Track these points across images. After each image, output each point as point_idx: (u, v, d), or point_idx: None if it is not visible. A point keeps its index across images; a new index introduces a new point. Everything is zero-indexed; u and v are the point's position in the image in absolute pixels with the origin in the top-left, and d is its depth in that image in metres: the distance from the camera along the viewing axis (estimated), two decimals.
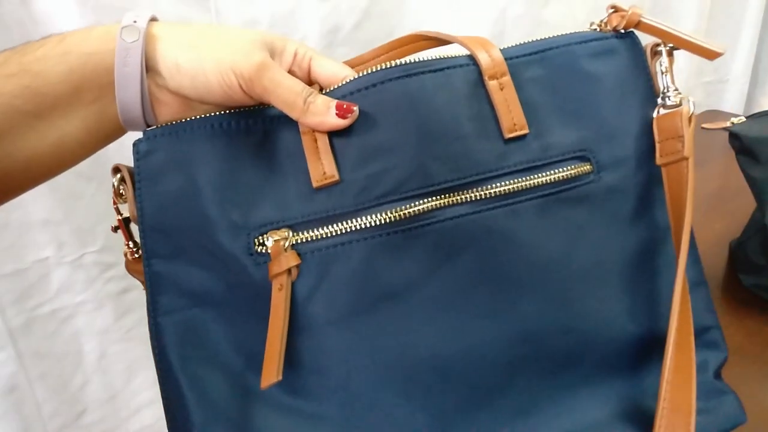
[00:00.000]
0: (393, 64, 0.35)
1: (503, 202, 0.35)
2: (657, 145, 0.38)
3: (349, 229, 0.34)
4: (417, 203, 0.34)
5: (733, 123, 0.68)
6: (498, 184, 0.35)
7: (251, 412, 0.35)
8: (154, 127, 0.36)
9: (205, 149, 0.35)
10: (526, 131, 0.36)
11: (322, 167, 0.34)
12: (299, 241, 0.34)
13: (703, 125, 0.70)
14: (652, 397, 0.35)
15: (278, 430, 0.34)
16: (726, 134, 0.68)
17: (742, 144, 0.66)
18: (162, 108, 0.37)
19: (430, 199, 0.34)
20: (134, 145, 0.37)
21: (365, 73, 0.36)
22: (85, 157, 0.39)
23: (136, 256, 0.38)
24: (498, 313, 0.35)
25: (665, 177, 0.38)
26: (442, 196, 0.35)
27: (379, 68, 0.35)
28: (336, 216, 0.34)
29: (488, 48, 0.36)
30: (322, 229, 0.34)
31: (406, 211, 0.34)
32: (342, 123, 0.34)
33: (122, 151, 0.68)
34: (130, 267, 0.39)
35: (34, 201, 0.65)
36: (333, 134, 0.35)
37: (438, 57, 0.37)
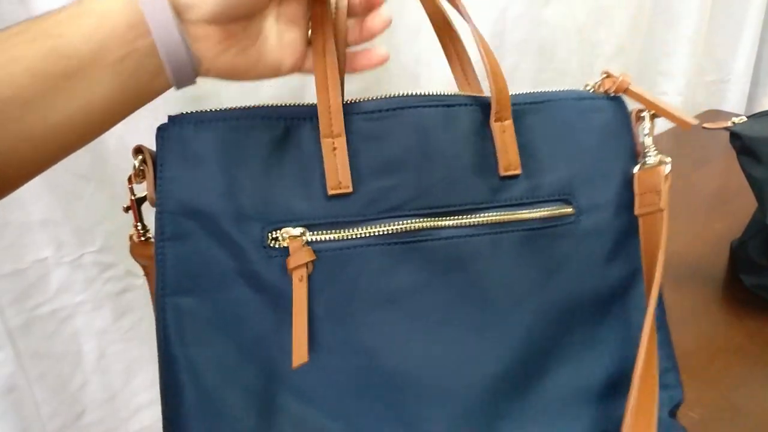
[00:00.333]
0: (412, 93, 0.39)
1: (492, 230, 0.39)
2: (636, 197, 0.42)
3: (354, 236, 0.37)
4: (417, 221, 0.38)
5: (734, 123, 0.68)
6: (489, 214, 0.39)
7: (242, 395, 0.36)
8: (179, 114, 0.38)
9: (227, 141, 0.36)
10: (519, 171, 0.40)
11: (338, 177, 0.37)
12: (311, 241, 0.36)
13: (705, 125, 0.70)
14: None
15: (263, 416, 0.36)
16: (727, 134, 0.68)
17: (743, 144, 0.66)
18: (201, 45, 0.36)
19: (429, 219, 0.38)
20: (158, 129, 0.38)
21: (385, 96, 0.39)
22: (113, 123, 0.38)
23: (143, 239, 0.40)
24: (481, 330, 0.39)
25: (642, 226, 0.42)
26: (441, 218, 0.38)
27: (399, 94, 0.39)
28: (344, 223, 0.37)
29: (501, 90, 0.40)
30: (330, 233, 0.36)
31: (406, 226, 0.37)
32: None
33: (122, 151, 0.69)
34: (135, 250, 0.41)
35: (34, 201, 0.65)
36: (350, 146, 0.37)
37: (455, 93, 0.41)
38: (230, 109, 0.38)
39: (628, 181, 0.44)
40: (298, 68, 0.40)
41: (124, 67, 0.35)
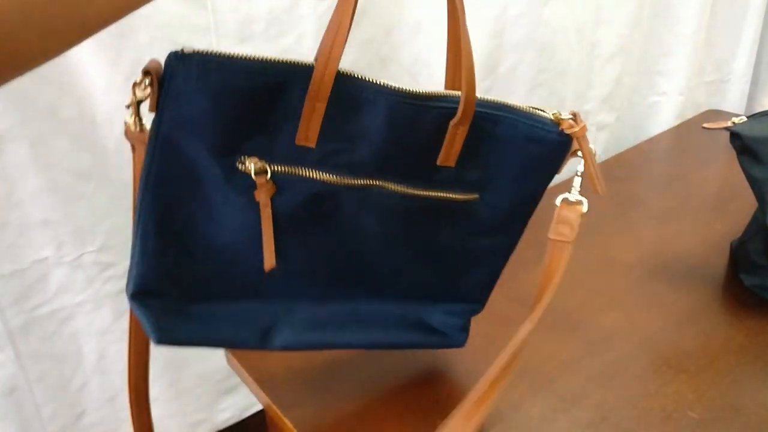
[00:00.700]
0: (391, 86, 0.45)
1: (402, 195, 0.49)
2: (553, 224, 0.49)
3: (307, 174, 0.46)
4: (355, 179, 0.47)
5: (734, 123, 0.68)
6: (405, 187, 0.48)
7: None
8: (188, 50, 0.41)
9: (233, 87, 0.42)
10: (452, 165, 0.48)
11: (308, 133, 0.44)
12: (275, 171, 0.45)
13: (705, 125, 0.70)
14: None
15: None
16: (727, 134, 0.68)
17: (743, 144, 0.66)
18: None
19: (359, 179, 0.47)
20: (168, 55, 0.42)
21: (371, 80, 0.45)
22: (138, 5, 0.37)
23: (138, 129, 0.46)
24: (385, 245, 0.51)
25: (550, 249, 0.49)
26: (367, 180, 0.47)
27: (380, 83, 0.44)
28: (301, 164, 0.46)
29: (469, 102, 0.46)
30: (288, 168, 0.45)
31: (339, 179, 0.47)
32: None
33: (122, 151, 0.69)
34: (128, 133, 0.47)
35: (34, 201, 0.65)
36: (327, 111, 0.44)
37: (434, 93, 0.46)
38: (234, 56, 0.42)
39: (533, 199, 0.52)
40: None
41: None
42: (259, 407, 0.93)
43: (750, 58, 1.35)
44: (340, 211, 0.48)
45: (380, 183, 0.48)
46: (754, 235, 0.70)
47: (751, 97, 1.41)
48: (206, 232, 0.47)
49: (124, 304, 0.75)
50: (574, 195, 0.49)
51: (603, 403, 0.56)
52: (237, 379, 0.71)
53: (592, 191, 0.48)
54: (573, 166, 0.50)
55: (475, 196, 0.51)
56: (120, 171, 0.70)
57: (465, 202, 0.51)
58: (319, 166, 0.46)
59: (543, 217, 0.51)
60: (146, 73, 0.42)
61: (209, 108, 0.43)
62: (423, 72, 0.86)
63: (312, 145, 0.45)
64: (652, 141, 1.14)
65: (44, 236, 0.67)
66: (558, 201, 0.50)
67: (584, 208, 0.48)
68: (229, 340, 0.52)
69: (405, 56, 0.85)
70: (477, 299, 0.58)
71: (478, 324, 0.58)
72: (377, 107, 0.45)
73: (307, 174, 0.46)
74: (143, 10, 0.64)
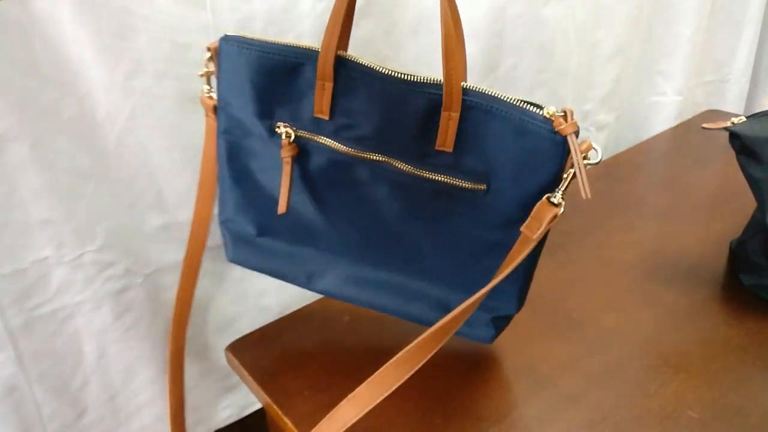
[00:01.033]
0: (384, 69, 0.50)
1: (411, 178, 0.53)
2: (528, 218, 0.49)
3: (326, 143, 0.55)
4: (364, 153, 0.54)
5: (733, 123, 0.68)
6: (411, 167, 0.53)
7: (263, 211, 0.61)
8: (232, 35, 0.55)
9: (257, 62, 0.54)
10: (450, 150, 0.51)
11: (322, 107, 0.53)
12: (299, 136, 0.55)
13: (704, 125, 0.70)
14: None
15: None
16: (726, 134, 0.68)
17: (742, 144, 0.66)
18: None
19: (370, 153, 0.53)
20: (221, 40, 0.55)
21: (367, 64, 0.51)
22: None
23: (208, 96, 0.59)
24: (403, 221, 0.56)
25: (519, 240, 0.50)
26: (377, 155, 0.53)
27: (377, 68, 0.51)
28: (320, 133, 0.55)
29: (452, 88, 0.49)
30: (309, 134, 0.55)
31: (354, 152, 0.54)
32: None
33: (122, 151, 0.69)
34: (203, 101, 0.59)
35: (34, 200, 0.65)
36: (335, 87, 0.52)
37: (424, 79, 0.50)
38: (265, 41, 0.53)
39: (541, 195, 0.50)
40: None
41: None
42: (258, 406, 0.93)
43: (749, 59, 1.35)
44: (357, 180, 0.55)
45: (387, 159, 0.53)
46: (754, 235, 0.70)
47: (750, 98, 1.41)
48: (260, 180, 0.60)
49: (124, 303, 0.75)
50: (556, 196, 0.48)
51: (602, 403, 0.57)
52: (236, 378, 0.71)
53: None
54: None
55: (482, 186, 0.52)
56: (119, 170, 0.70)
57: (473, 191, 0.52)
58: (334, 137, 0.54)
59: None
60: (208, 49, 0.56)
61: (246, 79, 0.54)
62: (423, 72, 0.86)
63: (326, 117, 0.53)
64: (651, 141, 1.14)
65: (44, 236, 0.67)
66: (543, 198, 0.49)
67: (560, 211, 0.48)
68: (281, 273, 0.64)
69: (405, 56, 0.85)
70: (503, 297, 0.57)
71: None
72: (373, 88, 0.51)
73: (324, 142, 0.54)
74: (143, 10, 0.65)
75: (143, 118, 0.69)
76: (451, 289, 0.58)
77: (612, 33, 1.08)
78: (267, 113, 0.55)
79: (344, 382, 0.60)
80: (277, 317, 0.70)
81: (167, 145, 0.72)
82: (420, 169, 0.53)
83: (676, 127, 1.19)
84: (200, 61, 0.59)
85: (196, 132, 0.73)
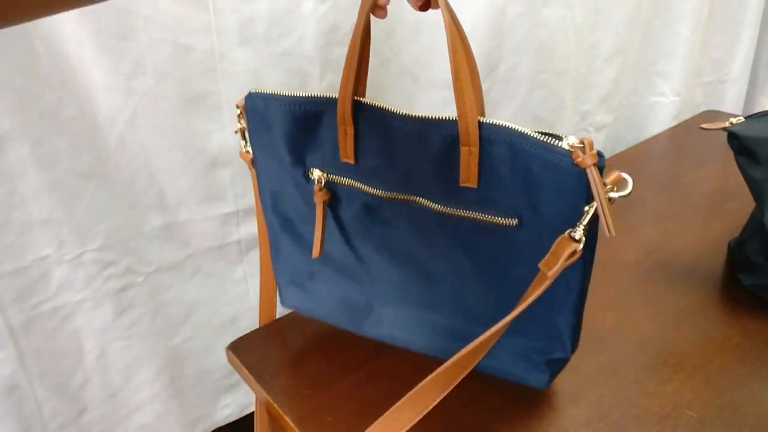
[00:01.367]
0: (399, 111, 0.51)
1: (440, 217, 0.53)
2: (547, 254, 0.46)
3: (356, 186, 0.56)
4: (391, 192, 0.54)
5: (732, 123, 0.68)
6: (440, 205, 0.52)
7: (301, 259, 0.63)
8: (255, 91, 0.56)
9: (283, 116, 0.55)
10: (474, 186, 0.50)
11: (346, 151, 0.55)
12: (330, 180, 0.57)
13: (702, 125, 0.70)
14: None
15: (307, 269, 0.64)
16: (725, 134, 0.68)
17: (741, 144, 0.66)
18: None
19: (400, 194, 0.54)
20: (245, 98, 0.57)
21: (384, 107, 0.52)
22: None
23: (245, 151, 0.60)
24: (440, 260, 0.56)
25: (537, 276, 0.47)
26: (407, 195, 0.53)
27: (393, 110, 0.51)
28: (349, 176, 0.56)
29: (467, 125, 0.48)
30: (339, 177, 0.56)
31: (383, 193, 0.54)
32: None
33: (123, 151, 0.69)
34: (242, 156, 0.61)
35: (35, 200, 0.66)
36: (357, 132, 0.53)
37: (437, 117, 0.50)
38: (288, 95, 0.55)
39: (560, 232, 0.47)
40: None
41: None
42: None
43: (748, 59, 1.35)
44: (390, 221, 0.56)
45: (417, 199, 0.53)
46: (752, 234, 0.71)
47: (749, 98, 1.42)
48: (301, 226, 0.61)
49: (125, 302, 0.76)
50: (577, 231, 0.45)
51: (601, 402, 0.57)
52: (237, 377, 0.71)
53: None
54: None
55: (515, 221, 0.50)
56: (120, 170, 0.70)
57: (506, 227, 0.50)
58: (362, 179, 0.55)
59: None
60: (237, 107, 0.58)
61: (274, 131, 0.56)
62: (424, 73, 0.86)
63: (352, 161, 0.54)
64: (650, 141, 1.14)
65: (45, 235, 0.68)
66: (565, 233, 0.47)
67: (579, 247, 0.45)
68: (332, 316, 0.64)
69: (405, 57, 0.85)
70: (552, 340, 0.54)
71: None
72: (392, 130, 0.51)
73: (354, 185, 0.55)
74: (144, 11, 0.65)
75: (144, 119, 0.69)
76: (507, 336, 0.53)
77: (611, 33, 1.09)
78: (299, 161, 0.57)
79: (344, 382, 0.60)
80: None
81: (168, 146, 0.72)
82: (449, 206, 0.52)
83: (675, 127, 1.20)
84: (202, 62, 0.59)
85: (197, 132, 0.74)
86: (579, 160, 0.44)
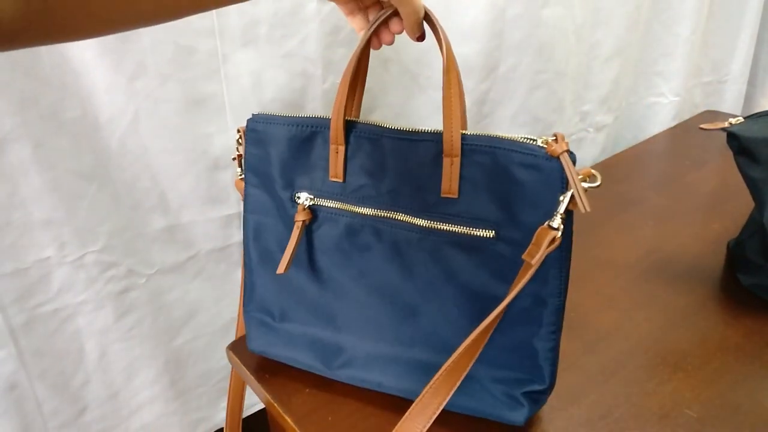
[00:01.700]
0: (392, 126, 0.54)
1: (422, 232, 0.54)
2: (530, 245, 0.48)
3: (340, 207, 0.57)
4: (375, 210, 0.56)
5: (731, 123, 0.68)
6: (423, 220, 0.54)
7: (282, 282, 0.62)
8: (257, 114, 0.59)
9: (280, 137, 0.58)
10: (456, 196, 0.52)
11: (336, 170, 0.56)
12: (315, 204, 0.58)
13: (702, 126, 0.70)
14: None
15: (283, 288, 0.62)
16: (724, 135, 0.68)
17: (740, 144, 0.66)
18: None
19: (383, 211, 0.55)
20: (247, 121, 0.59)
21: (374, 123, 0.55)
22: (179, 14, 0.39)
23: (240, 178, 0.62)
24: (407, 283, 0.56)
25: (522, 267, 0.49)
26: (390, 212, 0.55)
27: (383, 125, 0.54)
28: (335, 198, 0.57)
29: (451, 136, 0.51)
30: (326, 201, 0.58)
31: (367, 211, 0.56)
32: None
33: (124, 153, 0.69)
34: (237, 184, 0.62)
35: (36, 201, 0.66)
36: (347, 151, 0.56)
37: (423, 130, 0.52)
38: (284, 115, 0.58)
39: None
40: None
41: None
42: (260, 406, 0.93)
43: (747, 59, 1.35)
44: (370, 245, 0.56)
45: (399, 216, 0.55)
46: (752, 234, 0.71)
47: (749, 98, 1.42)
48: (279, 259, 0.58)
49: (126, 303, 0.76)
50: (555, 219, 0.47)
51: (601, 401, 0.57)
52: None
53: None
54: None
55: (491, 233, 0.51)
56: (122, 172, 0.70)
57: (484, 239, 0.51)
58: (348, 199, 0.56)
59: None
60: (238, 131, 0.61)
61: (269, 152, 0.59)
62: (423, 73, 0.87)
63: (341, 180, 0.56)
64: (649, 141, 1.14)
65: (46, 236, 0.68)
66: (543, 224, 0.48)
67: (558, 234, 0.47)
68: (302, 360, 0.61)
69: (406, 57, 0.85)
70: (529, 370, 0.53)
71: None
72: (381, 145, 0.54)
73: (339, 206, 0.57)
74: None
75: (146, 120, 0.69)
76: (482, 365, 0.53)
77: (611, 34, 1.09)
78: (289, 184, 0.58)
79: (344, 382, 0.60)
80: None
81: (170, 148, 0.72)
82: (429, 219, 0.53)
83: (675, 127, 1.20)
84: (204, 63, 0.59)
85: (199, 134, 0.74)
86: (552, 148, 0.47)
